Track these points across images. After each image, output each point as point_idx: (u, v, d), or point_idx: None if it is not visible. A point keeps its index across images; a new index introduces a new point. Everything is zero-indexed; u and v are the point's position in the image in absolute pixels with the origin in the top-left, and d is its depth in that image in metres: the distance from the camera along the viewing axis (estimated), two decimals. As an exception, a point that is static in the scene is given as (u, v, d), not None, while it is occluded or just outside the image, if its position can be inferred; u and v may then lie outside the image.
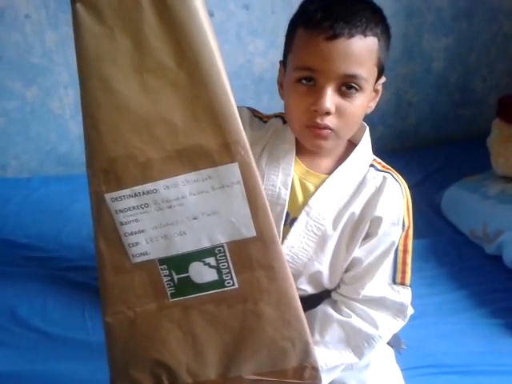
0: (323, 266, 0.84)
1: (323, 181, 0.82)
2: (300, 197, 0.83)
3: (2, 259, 1.37)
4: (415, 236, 1.42)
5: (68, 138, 1.82)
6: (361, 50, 0.70)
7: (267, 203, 0.60)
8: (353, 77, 0.71)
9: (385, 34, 0.75)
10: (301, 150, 0.83)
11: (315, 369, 0.70)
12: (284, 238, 0.82)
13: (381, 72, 0.77)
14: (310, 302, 0.88)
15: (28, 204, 1.66)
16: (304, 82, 0.73)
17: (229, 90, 0.55)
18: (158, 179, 0.57)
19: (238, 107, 0.84)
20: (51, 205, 1.66)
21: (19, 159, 1.83)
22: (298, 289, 0.86)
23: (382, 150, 1.93)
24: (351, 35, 0.69)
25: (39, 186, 1.75)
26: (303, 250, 0.83)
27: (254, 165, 0.58)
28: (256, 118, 0.87)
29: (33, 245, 1.44)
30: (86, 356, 1.07)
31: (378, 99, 0.81)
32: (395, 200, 0.82)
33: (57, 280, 1.31)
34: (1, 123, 1.74)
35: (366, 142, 0.85)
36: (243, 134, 0.56)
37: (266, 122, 0.87)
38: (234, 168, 0.57)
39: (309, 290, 0.88)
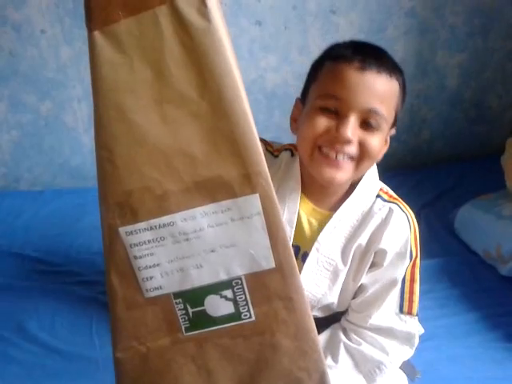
0: (334, 297, 0.85)
1: (329, 217, 0.82)
2: (308, 231, 0.83)
3: (11, 273, 1.38)
4: (427, 255, 1.42)
5: (81, 152, 1.84)
6: (386, 89, 0.72)
7: (287, 234, 0.58)
8: (376, 113, 0.71)
9: (403, 88, 0.76)
10: (307, 186, 0.82)
11: None
12: None
13: (395, 122, 0.78)
14: (320, 323, 0.87)
15: (39, 217, 1.67)
16: (326, 111, 0.72)
17: (251, 119, 0.53)
18: (175, 211, 0.55)
19: None
20: (62, 218, 1.66)
21: (32, 172, 1.85)
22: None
23: (394, 166, 1.95)
24: (379, 72, 0.71)
25: (51, 199, 1.76)
26: (317, 287, 0.84)
27: (274, 196, 0.56)
28: (268, 152, 0.86)
29: (42, 258, 1.45)
30: (93, 372, 1.07)
31: (385, 150, 0.80)
32: (401, 232, 0.82)
33: (65, 294, 1.31)
34: (15, 136, 1.76)
35: (371, 172, 0.84)
36: (265, 164, 0.55)
37: (276, 156, 0.86)
38: (255, 199, 0.55)
39: (319, 314, 0.89)
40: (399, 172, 1.91)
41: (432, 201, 1.75)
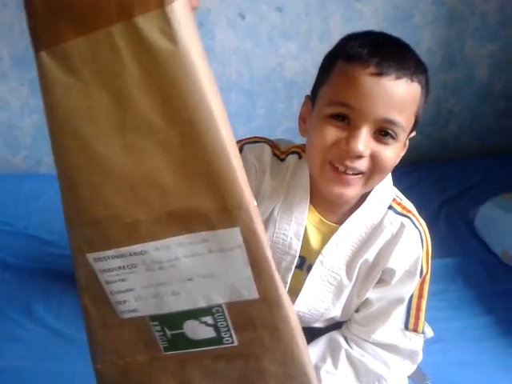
0: (337, 311, 0.82)
1: (336, 230, 0.77)
2: (314, 243, 0.79)
3: (23, 254, 1.40)
4: (444, 254, 1.38)
5: (100, 137, 1.85)
6: (405, 95, 0.64)
7: (273, 265, 0.53)
8: (392, 123, 0.64)
9: (427, 85, 0.69)
10: (315, 196, 0.77)
11: None
12: (300, 286, 0.80)
13: (415, 125, 0.71)
14: (322, 332, 0.87)
15: (57, 201, 1.67)
16: (336, 119, 0.66)
17: (230, 151, 0.47)
18: (147, 241, 0.51)
19: (260, 143, 0.81)
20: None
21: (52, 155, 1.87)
22: (312, 327, 0.86)
23: (418, 160, 1.89)
24: (399, 77, 0.63)
25: (69, 183, 1.78)
26: (320, 302, 0.81)
27: (258, 228, 0.51)
28: (274, 156, 0.80)
29: (56, 241, 1.46)
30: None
31: (403, 154, 0.73)
32: (412, 250, 0.77)
33: (74, 279, 1.32)
34: (36, 120, 1.79)
35: (384, 181, 0.76)
36: (246, 197, 0.49)
37: (283, 160, 0.80)
38: (235, 232, 0.50)
39: (322, 325, 0.87)
40: (423, 166, 1.85)
41: (455, 197, 1.69)
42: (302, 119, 0.75)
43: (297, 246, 0.77)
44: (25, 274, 1.33)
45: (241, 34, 1.70)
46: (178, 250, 0.51)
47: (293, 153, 0.80)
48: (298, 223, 0.77)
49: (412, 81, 0.64)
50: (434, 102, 1.86)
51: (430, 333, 0.96)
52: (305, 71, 1.74)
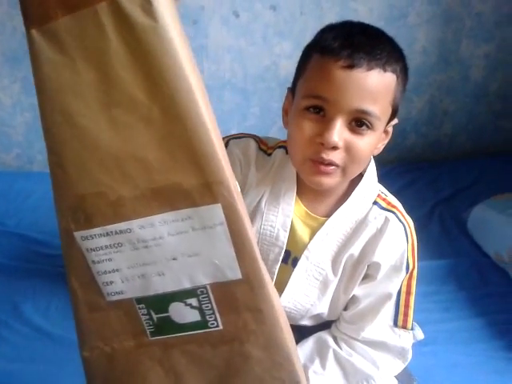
0: (324, 307, 0.82)
1: (322, 224, 0.78)
2: (300, 237, 0.79)
3: (13, 253, 1.39)
4: (436, 255, 1.37)
5: (92, 135, 1.84)
6: (378, 85, 0.66)
7: (255, 246, 0.55)
8: (366, 113, 0.66)
9: (403, 73, 0.70)
10: (301, 188, 0.78)
11: None
12: (286, 280, 0.80)
13: (394, 113, 0.72)
14: (311, 332, 0.86)
15: (48, 199, 1.66)
16: (312, 110, 0.68)
17: (209, 127, 0.49)
18: (132, 218, 0.52)
19: (245, 138, 0.82)
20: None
21: (45, 154, 1.84)
22: (298, 325, 0.85)
23: (412, 160, 1.89)
24: (370, 68, 0.65)
25: (61, 181, 1.77)
26: (305, 297, 0.81)
27: (239, 206, 0.52)
28: (261, 151, 0.81)
29: (46, 241, 1.45)
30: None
31: (387, 141, 0.75)
32: (397, 244, 0.77)
33: (64, 279, 1.30)
34: (28, 118, 1.78)
35: (368, 177, 0.78)
36: (227, 174, 0.51)
37: (270, 154, 0.81)
38: (217, 209, 0.51)
39: (309, 323, 0.86)
40: (417, 166, 1.84)
41: (448, 197, 1.68)
42: (285, 112, 0.77)
43: (284, 238, 0.78)
44: (13, 274, 1.32)
45: (235, 33, 1.68)
46: (162, 228, 0.52)
47: (280, 147, 0.81)
48: (284, 214, 0.78)
49: (385, 71, 0.66)
50: (428, 102, 1.85)
51: (420, 335, 0.95)
52: (299, 70, 1.73)
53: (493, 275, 1.32)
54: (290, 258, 0.80)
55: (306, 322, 0.85)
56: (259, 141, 0.82)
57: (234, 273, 0.55)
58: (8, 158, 1.85)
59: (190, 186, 0.51)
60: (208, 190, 0.51)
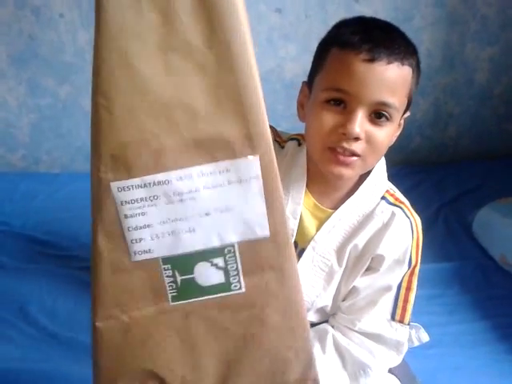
0: (328, 299, 0.83)
1: (329, 216, 0.79)
2: (308, 228, 0.81)
3: (19, 254, 1.40)
4: (441, 258, 1.37)
5: (98, 136, 1.84)
6: (397, 78, 0.68)
7: (284, 204, 0.56)
8: (386, 105, 0.68)
9: (417, 67, 0.73)
10: (312, 180, 0.80)
11: (316, 382, 0.66)
12: None
13: (409, 105, 0.74)
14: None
15: (54, 200, 1.69)
16: (332, 103, 0.70)
17: (257, 79, 0.51)
18: (171, 169, 0.52)
19: None
20: (76, 202, 1.65)
21: (51, 155, 1.87)
22: None
23: (417, 162, 1.89)
24: (390, 61, 0.67)
25: (67, 182, 1.76)
26: (311, 288, 0.82)
27: (274, 160, 0.53)
28: (275, 142, 0.84)
29: (51, 241, 1.46)
30: (87, 359, 1.06)
31: (399, 133, 0.77)
32: (402, 238, 0.78)
33: (70, 279, 1.31)
34: (34, 119, 1.78)
35: (378, 172, 0.80)
36: (267, 127, 0.52)
37: (283, 147, 0.84)
38: (255, 161, 0.52)
39: (314, 319, 0.87)
40: (422, 168, 1.84)
41: (453, 200, 1.68)
42: (301, 105, 0.79)
43: (293, 226, 0.79)
44: (19, 275, 1.32)
45: (240, 35, 1.69)
46: (199, 180, 0.53)
47: (292, 139, 0.84)
48: (294, 202, 0.79)
49: (403, 64, 0.68)
50: (433, 105, 1.85)
51: (426, 337, 0.95)
52: (304, 73, 1.70)
53: (498, 278, 1.32)
54: (297, 250, 0.81)
55: (311, 318, 0.86)
56: (275, 132, 0.85)
57: (263, 230, 0.55)
58: (14, 158, 1.86)
59: (233, 136, 0.51)
60: (249, 140, 0.52)
